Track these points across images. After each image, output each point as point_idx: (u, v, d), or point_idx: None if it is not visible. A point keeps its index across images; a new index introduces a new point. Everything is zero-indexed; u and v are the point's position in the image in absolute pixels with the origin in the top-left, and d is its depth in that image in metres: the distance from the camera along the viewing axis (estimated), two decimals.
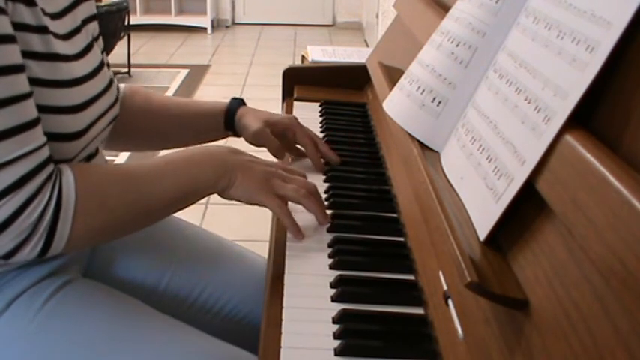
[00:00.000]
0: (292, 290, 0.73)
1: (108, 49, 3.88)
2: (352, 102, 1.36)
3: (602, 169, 0.45)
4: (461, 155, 0.72)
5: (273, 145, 0.99)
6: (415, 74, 0.90)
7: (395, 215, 0.89)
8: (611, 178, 0.44)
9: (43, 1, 0.73)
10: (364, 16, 5.86)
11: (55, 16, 0.77)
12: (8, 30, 0.66)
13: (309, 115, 1.30)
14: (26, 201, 0.67)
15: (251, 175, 0.82)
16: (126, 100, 1.00)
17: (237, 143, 1.07)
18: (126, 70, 4.32)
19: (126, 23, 4.05)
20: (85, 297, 0.81)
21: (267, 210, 0.84)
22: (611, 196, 0.43)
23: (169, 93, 4.07)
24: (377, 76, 1.20)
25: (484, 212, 0.61)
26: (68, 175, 0.72)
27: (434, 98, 0.83)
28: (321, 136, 1.19)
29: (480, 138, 0.68)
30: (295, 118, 1.06)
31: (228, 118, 1.04)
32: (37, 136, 0.69)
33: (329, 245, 0.82)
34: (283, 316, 0.68)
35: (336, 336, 0.65)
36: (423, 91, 0.85)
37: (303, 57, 2.49)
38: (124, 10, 3.92)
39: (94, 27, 0.90)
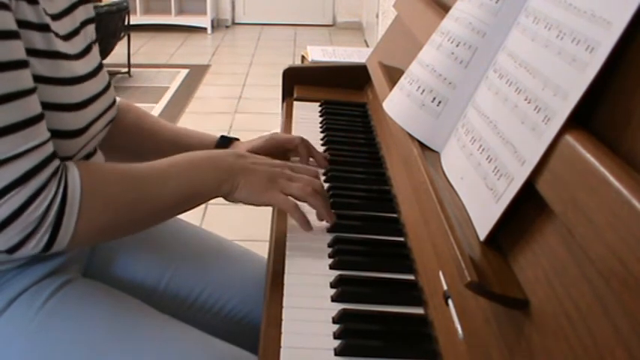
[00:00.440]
0: (292, 290, 0.73)
1: (108, 49, 3.89)
2: (352, 102, 1.36)
3: (602, 169, 0.45)
4: (461, 155, 0.72)
5: None
6: (415, 74, 0.90)
7: (395, 215, 0.89)
8: (611, 178, 0.44)
9: (44, 2, 0.74)
10: (364, 16, 5.86)
11: (55, 17, 0.78)
12: (12, 26, 0.67)
13: (309, 115, 1.30)
14: (32, 195, 0.67)
15: (254, 177, 0.82)
16: (119, 113, 1.00)
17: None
18: (126, 70, 4.32)
19: (126, 23, 4.05)
20: (85, 296, 0.81)
21: (267, 210, 0.84)
22: (611, 196, 0.43)
23: (169, 93, 4.07)
24: (377, 76, 1.20)
25: (484, 212, 0.61)
26: (74, 171, 0.72)
27: (434, 98, 0.83)
28: (320, 136, 1.19)
29: (480, 138, 0.68)
30: (276, 133, 1.05)
31: None
32: (41, 131, 0.70)
33: (329, 245, 0.82)
34: (283, 316, 0.68)
35: (336, 336, 0.65)
36: (423, 91, 0.85)
37: (303, 57, 2.49)
38: (124, 10, 3.92)
39: (91, 30, 0.90)
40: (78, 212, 0.71)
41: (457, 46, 0.82)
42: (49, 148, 0.70)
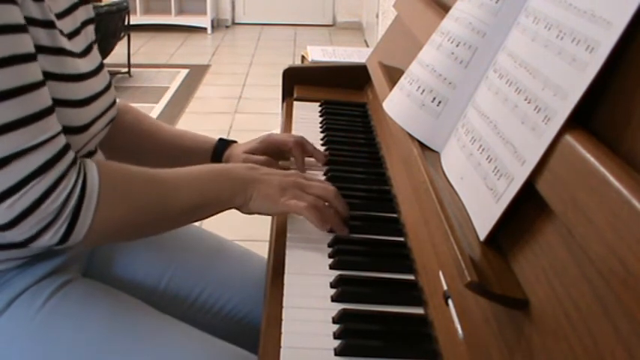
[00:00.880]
0: (292, 290, 0.73)
1: (108, 49, 3.89)
2: (352, 102, 1.36)
3: (602, 169, 0.45)
4: (461, 155, 0.72)
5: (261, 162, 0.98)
6: (415, 74, 0.90)
7: (395, 215, 0.89)
8: (611, 178, 0.44)
9: (49, 0, 0.74)
10: (364, 16, 5.86)
11: (58, 16, 0.78)
12: (20, 20, 0.67)
13: (309, 115, 1.30)
14: (51, 186, 0.68)
15: (268, 187, 0.82)
16: (118, 114, 1.00)
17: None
18: (126, 70, 4.32)
19: (126, 23, 4.05)
20: (86, 296, 0.81)
21: None
22: (611, 196, 0.43)
23: (169, 93, 4.07)
24: (377, 76, 1.20)
25: (484, 212, 0.61)
26: (92, 165, 0.73)
27: (434, 98, 0.83)
28: (320, 136, 1.19)
29: (480, 138, 0.68)
30: (270, 134, 1.06)
31: (215, 160, 1.04)
32: (54, 123, 0.70)
33: (329, 245, 0.82)
34: (283, 316, 0.68)
35: (336, 336, 0.65)
36: (423, 91, 0.85)
37: (303, 57, 2.49)
38: (124, 10, 3.92)
39: (91, 30, 0.91)
40: (95, 205, 0.71)
41: (457, 46, 0.82)
42: (63, 140, 0.71)
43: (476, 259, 0.57)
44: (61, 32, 0.76)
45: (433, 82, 0.84)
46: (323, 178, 1.01)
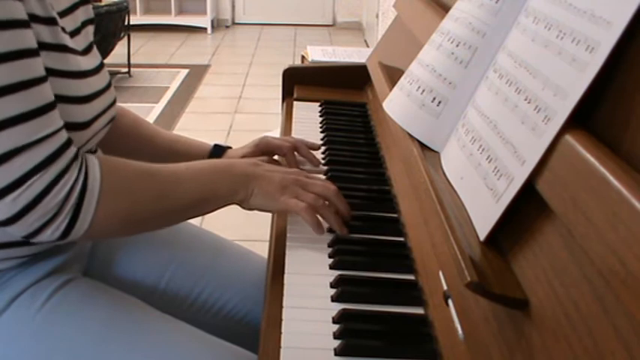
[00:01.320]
0: (292, 290, 0.73)
1: (108, 49, 3.88)
2: (352, 102, 1.36)
3: (602, 169, 0.45)
4: (461, 155, 0.72)
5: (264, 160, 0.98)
6: (415, 74, 0.90)
7: (395, 215, 0.89)
8: (611, 178, 0.44)
9: None
10: (364, 16, 5.86)
11: (59, 15, 0.78)
12: (23, 15, 0.68)
13: (309, 115, 1.30)
14: (53, 180, 0.68)
15: (269, 184, 0.83)
16: (115, 117, 1.00)
17: (241, 143, 1.08)
18: (126, 70, 4.31)
19: (126, 23, 4.05)
20: (86, 296, 0.82)
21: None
22: (611, 196, 0.43)
23: (169, 93, 4.07)
24: (377, 76, 1.20)
25: (484, 212, 0.61)
26: (94, 160, 0.73)
27: (434, 98, 0.83)
28: (320, 136, 1.19)
29: (480, 138, 0.68)
30: (263, 138, 1.06)
31: None
32: (56, 118, 0.70)
33: (329, 245, 0.82)
34: (283, 316, 0.68)
35: (336, 336, 0.65)
36: (423, 91, 0.85)
37: (303, 57, 2.49)
38: (124, 10, 3.92)
39: (91, 31, 0.91)
40: (97, 200, 0.71)
41: (457, 46, 0.82)
42: (64, 135, 0.71)
43: (476, 259, 0.57)
44: (63, 29, 0.76)
45: (433, 82, 0.84)
46: (323, 178, 1.01)
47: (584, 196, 0.46)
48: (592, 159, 0.47)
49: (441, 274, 0.67)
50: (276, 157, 1.05)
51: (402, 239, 0.83)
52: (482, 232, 0.60)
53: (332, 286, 0.74)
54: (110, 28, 3.78)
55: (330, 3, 6.39)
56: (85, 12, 0.89)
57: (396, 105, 0.91)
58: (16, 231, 0.69)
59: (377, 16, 4.62)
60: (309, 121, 1.27)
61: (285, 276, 0.75)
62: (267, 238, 0.87)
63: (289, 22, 6.33)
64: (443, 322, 0.64)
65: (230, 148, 1.07)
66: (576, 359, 0.43)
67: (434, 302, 0.68)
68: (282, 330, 0.66)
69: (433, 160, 0.79)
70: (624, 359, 0.39)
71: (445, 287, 0.65)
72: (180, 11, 6.08)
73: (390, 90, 0.96)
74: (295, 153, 1.06)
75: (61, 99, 0.73)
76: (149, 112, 3.60)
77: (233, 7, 6.41)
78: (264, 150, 1.04)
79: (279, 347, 0.63)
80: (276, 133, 1.29)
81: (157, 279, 0.95)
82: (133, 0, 5.51)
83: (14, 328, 0.76)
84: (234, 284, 0.97)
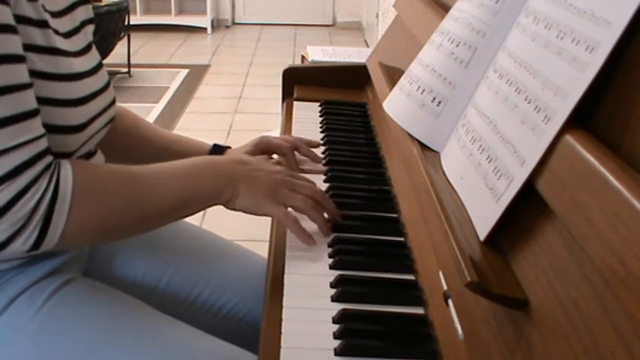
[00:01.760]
0: (292, 290, 0.73)
1: (108, 49, 3.88)
2: (352, 102, 1.36)
3: (602, 169, 0.45)
4: (461, 155, 0.72)
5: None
6: (415, 74, 0.89)
7: (395, 215, 0.89)
8: (611, 178, 0.44)
9: None
10: (364, 16, 5.86)
11: (55, 15, 0.78)
12: (10, 20, 0.67)
13: (309, 115, 1.30)
14: (22, 190, 0.67)
15: (256, 186, 0.81)
16: (115, 117, 1.00)
17: (241, 143, 1.08)
18: (126, 70, 4.31)
19: (126, 23, 4.05)
20: (85, 296, 0.81)
21: None
22: (611, 196, 0.43)
23: (169, 93, 4.07)
24: (377, 76, 1.20)
25: (484, 212, 0.61)
26: (67, 169, 0.72)
27: (434, 98, 0.83)
28: (321, 136, 1.19)
29: (480, 138, 0.68)
30: (263, 137, 1.06)
31: None
32: (35, 127, 0.69)
33: (329, 245, 0.82)
34: (283, 316, 0.68)
35: (336, 336, 0.65)
36: (423, 91, 0.85)
37: (303, 57, 2.49)
38: (124, 10, 3.92)
39: (91, 30, 0.90)
40: (69, 210, 0.70)
41: (457, 46, 0.82)
42: (42, 144, 0.70)
43: (476, 259, 0.57)
44: (56, 31, 0.76)
45: (433, 82, 0.84)
46: (323, 178, 1.01)
47: (584, 196, 0.46)
48: (592, 159, 0.47)
49: (441, 274, 0.67)
50: (275, 156, 1.05)
51: (402, 239, 0.83)
52: (482, 232, 0.60)
53: (332, 286, 0.74)
54: (110, 28, 3.78)
55: (330, 3, 6.38)
56: (85, 12, 0.89)
57: (396, 105, 0.91)
58: None
59: (377, 16, 4.62)
60: (309, 121, 1.27)
61: (285, 276, 0.75)
62: (267, 238, 0.87)
63: (289, 22, 6.33)
64: (443, 322, 0.64)
65: (229, 147, 1.07)
66: (576, 359, 0.43)
67: (434, 302, 0.68)
68: (282, 330, 0.66)
69: (433, 160, 0.79)
70: (624, 359, 0.39)
71: (445, 287, 0.65)
72: (180, 11, 6.08)
73: (390, 90, 0.96)
74: (295, 152, 1.06)
75: (53, 102, 0.73)
76: (149, 112, 3.60)
77: (233, 7, 6.41)
78: (263, 149, 1.04)
79: (279, 347, 0.63)
80: (276, 133, 1.29)
81: (156, 279, 0.95)
82: (133, 0, 5.51)
83: (14, 328, 0.76)
84: (234, 284, 0.97)
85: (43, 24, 0.73)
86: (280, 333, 0.65)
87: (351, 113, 1.30)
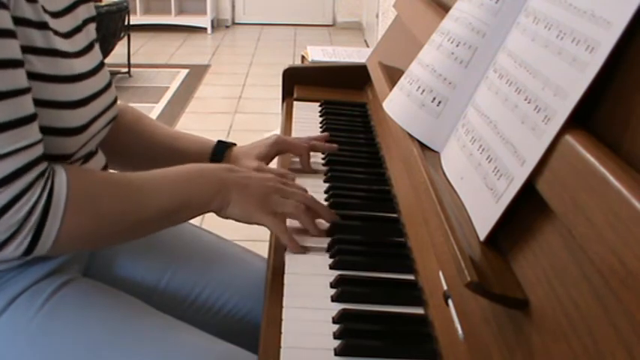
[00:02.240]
0: (292, 290, 0.73)
1: (108, 48, 3.88)
2: (352, 102, 1.36)
3: (602, 169, 0.45)
4: (461, 155, 0.72)
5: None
6: (415, 74, 0.89)
7: (395, 215, 0.89)
8: (611, 178, 0.44)
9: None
10: (364, 16, 5.86)
11: (56, 15, 0.78)
12: (9, 25, 0.67)
13: (309, 115, 1.30)
14: (15, 196, 0.67)
15: (248, 194, 0.81)
16: (118, 115, 0.99)
17: (241, 143, 1.07)
18: (126, 70, 4.31)
19: (126, 23, 4.04)
20: (85, 296, 0.81)
21: None
22: (611, 196, 0.43)
23: (169, 93, 4.07)
24: (377, 76, 1.20)
25: (484, 212, 0.61)
26: (61, 175, 0.71)
27: (434, 98, 0.83)
28: None
29: (480, 138, 0.68)
30: (279, 137, 1.05)
31: (215, 162, 1.02)
32: (31, 133, 0.69)
33: (329, 245, 0.82)
34: (283, 316, 0.68)
35: (336, 336, 0.65)
36: (423, 91, 0.85)
37: (303, 57, 2.49)
38: (124, 10, 3.92)
39: (93, 28, 0.90)
40: (62, 217, 0.70)
41: (457, 46, 0.82)
42: (38, 150, 0.70)
43: (476, 259, 0.57)
44: (55, 32, 0.76)
45: (433, 82, 0.84)
46: (323, 178, 1.01)
47: (584, 196, 0.46)
48: (592, 159, 0.47)
49: (441, 274, 0.67)
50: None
51: (402, 239, 0.83)
52: (482, 232, 0.60)
53: (332, 286, 0.74)
54: (110, 28, 3.78)
55: (330, 3, 6.38)
56: (87, 10, 0.88)
57: (396, 105, 0.91)
58: None
59: (377, 16, 4.62)
60: (309, 121, 1.27)
61: (285, 276, 0.75)
62: (267, 238, 0.87)
63: (289, 22, 6.33)
64: (443, 322, 0.64)
65: (235, 144, 1.06)
66: (576, 359, 0.43)
67: (434, 302, 0.68)
68: (282, 330, 0.66)
69: (433, 160, 0.79)
70: (624, 359, 0.39)
71: (445, 287, 0.65)
72: (180, 11, 6.08)
73: (390, 90, 0.96)
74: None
75: (53, 104, 0.72)
76: (149, 112, 3.59)
77: (233, 7, 6.41)
78: (279, 150, 1.03)
79: (279, 347, 0.63)
80: (276, 133, 1.29)
81: (156, 279, 0.95)
82: (133, 0, 5.51)
83: (13, 328, 0.76)
84: (234, 284, 0.97)
85: (42, 25, 0.73)
86: (280, 333, 0.65)
87: (351, 113, 1.30)
